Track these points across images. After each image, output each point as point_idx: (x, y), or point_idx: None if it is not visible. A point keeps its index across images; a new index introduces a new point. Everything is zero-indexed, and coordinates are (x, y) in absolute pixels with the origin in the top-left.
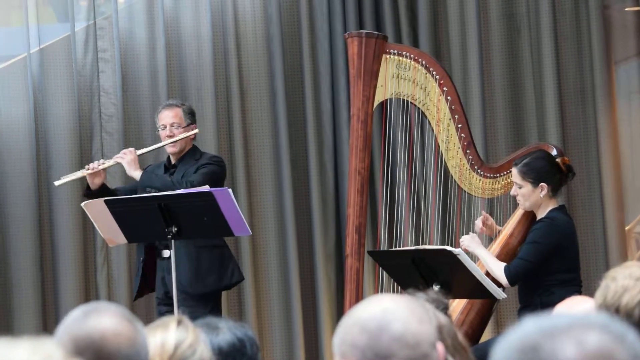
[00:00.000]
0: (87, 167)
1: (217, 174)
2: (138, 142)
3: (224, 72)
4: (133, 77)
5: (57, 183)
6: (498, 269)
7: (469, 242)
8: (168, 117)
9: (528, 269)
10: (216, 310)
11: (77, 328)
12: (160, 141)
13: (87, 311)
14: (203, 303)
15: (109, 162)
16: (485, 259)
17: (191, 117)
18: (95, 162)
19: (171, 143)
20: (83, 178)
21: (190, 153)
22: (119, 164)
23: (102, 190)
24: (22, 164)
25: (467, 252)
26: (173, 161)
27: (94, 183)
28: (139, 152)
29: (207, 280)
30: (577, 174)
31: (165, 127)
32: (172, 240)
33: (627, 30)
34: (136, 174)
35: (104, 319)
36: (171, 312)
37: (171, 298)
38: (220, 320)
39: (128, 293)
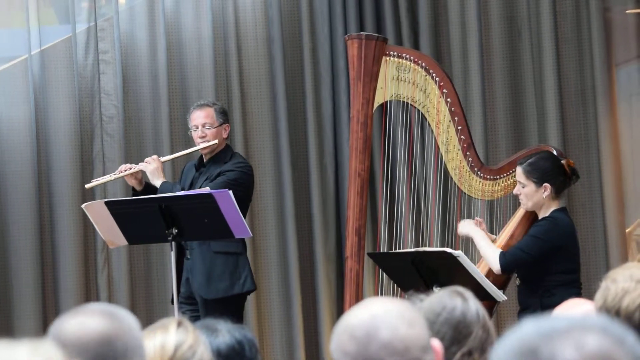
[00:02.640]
0: (117, 171)
1: (237, 182)
2: (139, 143)
3: (225, 74)
4: (134, 79)
5: (88, 185)
6: (493, 253)
7: (466, 224)
8: (200, 117)
9: (523, 260)
10: (236, 317)
11: (53, 329)
12: (194, 143)
13: (70, 312)
14: (220, 307)
15: (135, 168)
16: (480, 242)
17: (223, 116)
18: (123, 166)
19: (188, 153)
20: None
21: (222, 154)
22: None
23: (146, 189)
24: (23, 166)
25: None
26: (205, 160)
27: (131, 184)
28: (163, 159)
29: (218, 286)
30: (579, 177)
31: (197, 127)
32: (173, 242)
33: (628, 33)
34: (157, 182)
35: (80, 316)
36: (193, 311)
37: (194, 298)
38: (219, 322)
39: (129, 294)
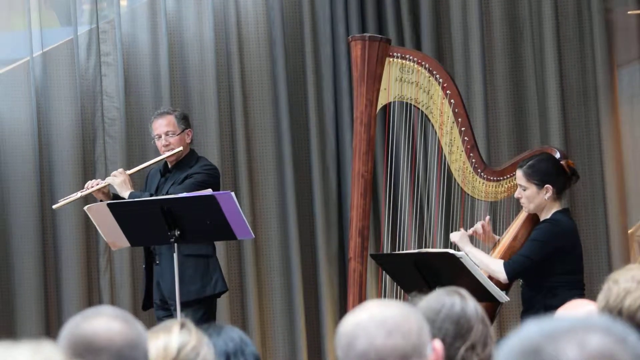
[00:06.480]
0: (84, 188)
1: (205, 184)
2: (140, 145)
3: (227, 76)
4: (136, 81)
5: (55, 206)
6: (495, 264)
7: (459, 239)
8: (161, 125)
9: (528, 266)
10: (210, 318)
11: (73, 327)
12: (158, 150)
13: (85, 313)
14: (192, 310)
15: (102, 183)
16: (478, 256)
17: (185, 122)
18: (90, 182)
19: (156, 162)
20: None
21: (187, 159)
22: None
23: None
24: (25, 168)
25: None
26: (170, 166)
27: (98, 198)
28: (129, 171)
29: (189, 288)
30: (580, 177)
31: (160, 136)
32: (175, 244)
33: (630, 34)
34: (125, 194)
35: (99, 317)
36: (168, 316)
37: (167, 302)
38: (214, 325)
39: (131, 296)
